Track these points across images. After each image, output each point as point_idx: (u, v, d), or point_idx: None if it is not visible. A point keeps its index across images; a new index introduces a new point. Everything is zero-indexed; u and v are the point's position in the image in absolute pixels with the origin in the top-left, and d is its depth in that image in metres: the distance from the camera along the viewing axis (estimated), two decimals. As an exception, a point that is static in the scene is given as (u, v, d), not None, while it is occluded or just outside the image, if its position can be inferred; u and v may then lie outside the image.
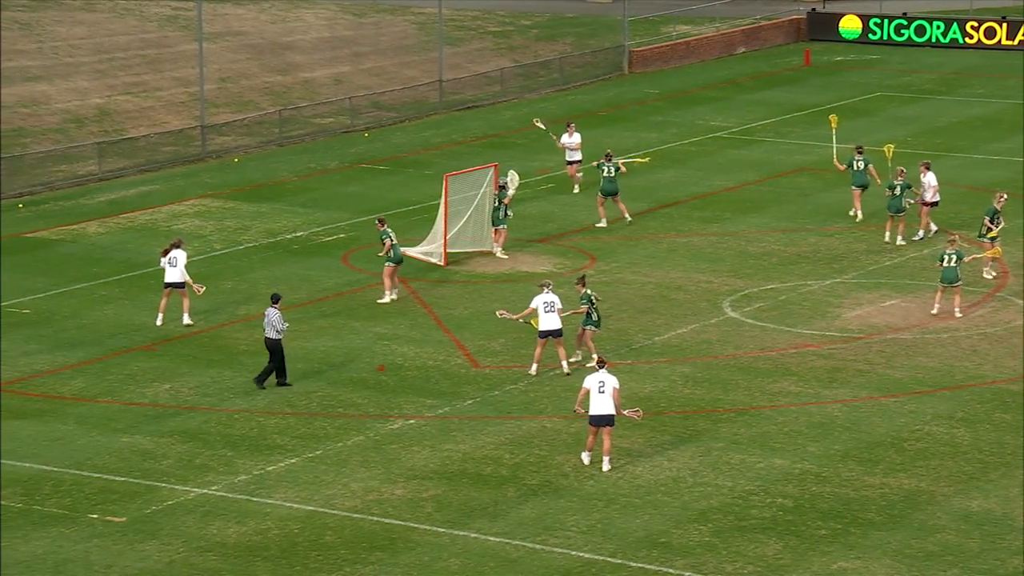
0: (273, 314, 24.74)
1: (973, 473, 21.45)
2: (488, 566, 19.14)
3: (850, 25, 54.25)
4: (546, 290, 24.88)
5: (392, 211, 35.38)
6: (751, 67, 51.12)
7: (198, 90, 42.61)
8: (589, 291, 25.08)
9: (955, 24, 53.17)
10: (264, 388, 24.60)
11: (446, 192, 31.27)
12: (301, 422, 23.52)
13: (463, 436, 22.91)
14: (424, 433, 23.06)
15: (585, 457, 21.76)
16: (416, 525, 20.11)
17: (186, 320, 27.40)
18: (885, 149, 33.24)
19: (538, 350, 22.97)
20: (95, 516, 20.55)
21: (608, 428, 21.38)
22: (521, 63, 50.34)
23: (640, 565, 19.05)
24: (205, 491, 21.21)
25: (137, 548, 19.69)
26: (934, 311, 27.44)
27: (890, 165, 32.55)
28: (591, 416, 21.40)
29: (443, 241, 31.16)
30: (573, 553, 19.36)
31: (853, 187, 33.09)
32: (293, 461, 22.09)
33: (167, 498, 21.04)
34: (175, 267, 27.48)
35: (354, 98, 45.21)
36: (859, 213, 32.97)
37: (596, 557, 19.27)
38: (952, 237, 28.46)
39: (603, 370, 21.46)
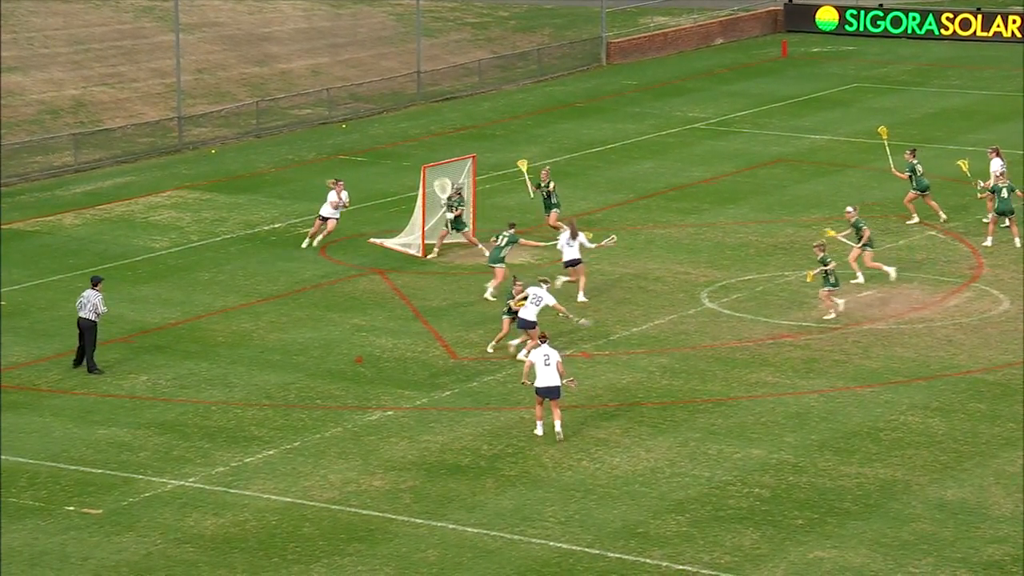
0: (93, 295, 24.68)
1: (948, 462, 21.55)
2: (466, 557, 19.14)
3: (827, 16, 54.36)
4: (544, 286, 24.94)
5: (370, 203, 35.34)
6: (729, 58, 51.17)
7: (175, 81, 42.41)
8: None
9: (931, 15, 53.33)
10: (83, 367, 24.55)
11: (424, 183, 31.23)
12: (279, 414, 23.47)
13: (441, 427, 22.91)
14: (402, 424, 23.04)
15: (539, 428, 22.30)
16: (394, 516, 20.10)
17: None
18: (881, 131, 33.24)
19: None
20: (71, 508, 20.47)
21: (555, 399, 22.10)
22: (499, 54, 50.28)
23: (618, 555, 19.08)
24: (182, 483, 21.15)
25: (114, 540, 19.63)
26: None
27: (890, 156, 32.65)
28: (537, 388, 22.12)
29: (421, 232, 31.13)
30: (551, 544, 19.39)
31: (915, 191, 32.11)
32: (271, 453, 22.06)
33: (144, 490, 20.98)
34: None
35: (332, 89, 45.06)
36: (941, 214, 32.21)
37: (574, 548, 19.29)
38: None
39: (546, 344, 22.23)
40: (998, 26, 52.63)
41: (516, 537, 19.51)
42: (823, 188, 35.14)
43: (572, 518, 20.03)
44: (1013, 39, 52.35)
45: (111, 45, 48.32)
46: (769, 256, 30.70)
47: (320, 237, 31.44)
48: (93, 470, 21.57)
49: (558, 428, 22.22)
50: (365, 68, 48.44)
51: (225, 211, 34.55)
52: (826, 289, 26.79)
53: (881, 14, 53.76)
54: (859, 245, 28.40)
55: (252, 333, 26.88)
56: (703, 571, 18.70)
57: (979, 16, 52.94)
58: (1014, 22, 52.39)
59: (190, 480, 21.19)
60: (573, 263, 27.90)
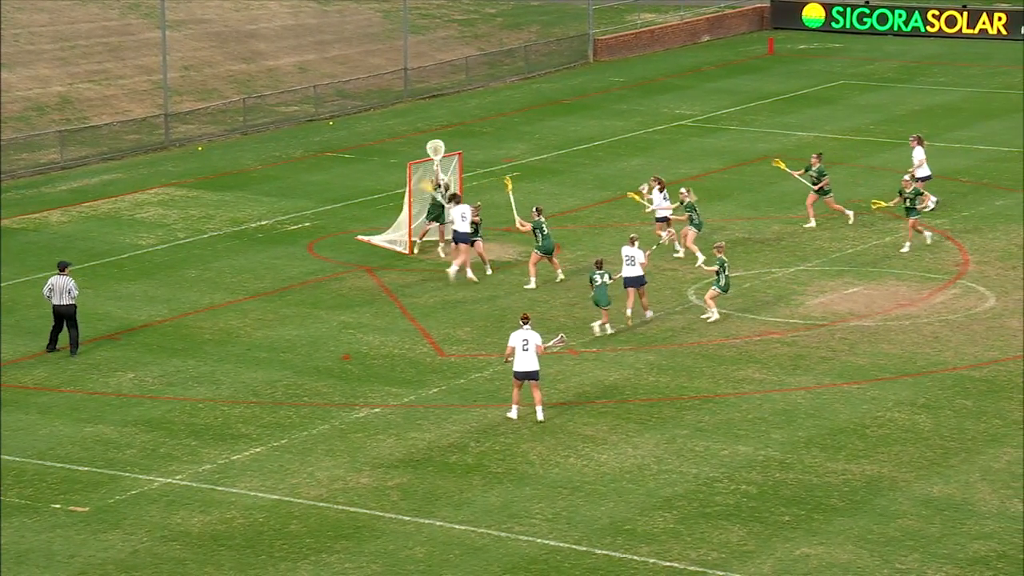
0: (64, 280, 24.83)
1: (934, 459, 21.59)
2: (453, 553, 19.12)
3: (813, 14, 54.42)
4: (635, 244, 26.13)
5: (357, 200, 35.29)
6: (715, 55, 51.19)
7: (161, 78, 42.30)
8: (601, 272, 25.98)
9: (916, 12, 53.42)
10: (58, 352, 24.79)
11: (410, 180, 31.19)
12: (266, 411, 23.43)
13: (428, 424, 22.88)
14: (389, 422, 23.01)
15: (514, 411, 22.59)
16: (381, 513, 20.08)
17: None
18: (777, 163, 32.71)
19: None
20: (57, 506, 20.40)
21: (534, 382, 22.46)
22: (486, 51, 50.24)
23: (605, 552, 19.08)
24: (169, 480, 21.10)
25: (100, 538, 19.57)
26: None
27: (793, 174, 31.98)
28: (516, 372, 22.48)
29: (408, 230, 31.08)
30: (538, 540, 19.37)
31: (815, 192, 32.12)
32: (258, 450, 22.01)
33: (130, 488, 20.92)
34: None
35: (319, 86, 44.99)
36: (848, 212, 32.02)
37: (561, 544, 19.29)
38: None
39: (526, 327, 22.51)
40: (984, 23, 52.76)
41: (503, 534, 19.49)
42: (806, 187, 35.08)
43: (559, 515, 20.02)
44: (999, 36, 52.48)
45: (98, 42, 48.17)
46: (756, 253, 30.73)
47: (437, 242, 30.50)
48: (79, 468, 21.50)
49: (539, 413, 22.52)
50: (352, 65, 48.38)
51: (212, 208, 34.47)
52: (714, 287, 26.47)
53: (867, 11, 53.83)
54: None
55: (239, 330, 26.82)
56: (690, 568, 18.70)
57: (965, 13, 53.05)
58: (1000, 19, 52.51)
59: (177, 478, 21.14)
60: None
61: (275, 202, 34.89)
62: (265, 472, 21.30)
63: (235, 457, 21.77)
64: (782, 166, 32.26)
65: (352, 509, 20.20)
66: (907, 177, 30.48)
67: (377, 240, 31.59)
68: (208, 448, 22.08)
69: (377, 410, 23.46)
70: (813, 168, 32.09)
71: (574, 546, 19.22)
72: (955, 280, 29.03)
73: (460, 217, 28.96)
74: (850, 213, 32.20)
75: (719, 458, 21.64)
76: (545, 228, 28.68)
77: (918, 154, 32.98)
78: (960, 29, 52.98)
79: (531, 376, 22.55)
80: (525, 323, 22.64)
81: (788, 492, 20.62)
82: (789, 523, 19.78)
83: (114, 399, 23.94)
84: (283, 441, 22.32)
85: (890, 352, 25.54)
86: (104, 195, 35.66)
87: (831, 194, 32.26)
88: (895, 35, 53.31)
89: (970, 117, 42.50)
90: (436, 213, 30.62)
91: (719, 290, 26.59)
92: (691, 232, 29.86)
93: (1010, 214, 33.38)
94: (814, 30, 54.14)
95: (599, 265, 26.42)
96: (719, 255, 26.51)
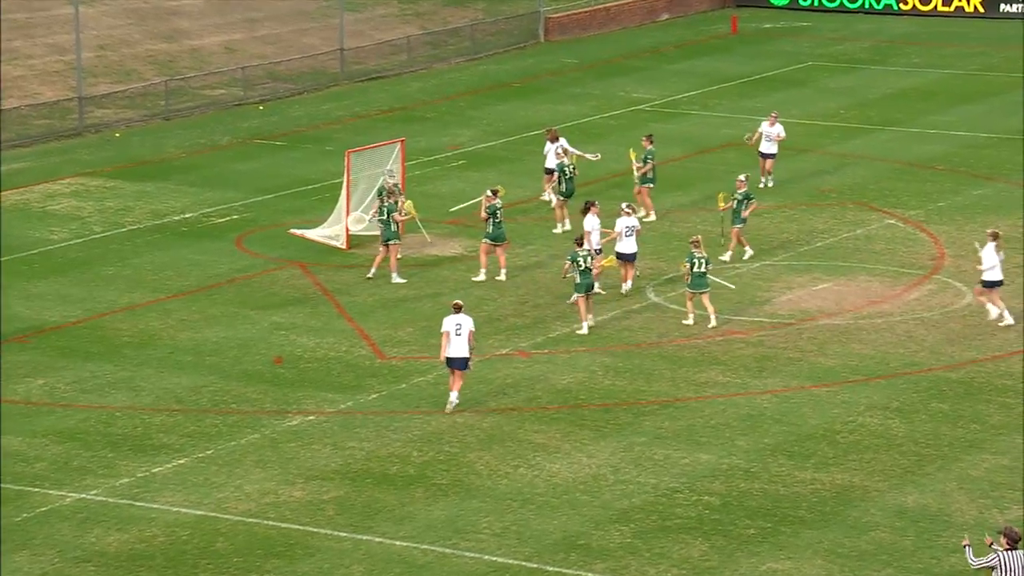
0: None
1: (908, 466, 21.78)
2: (394, 572, 19.11)
3: (780, -10, 54.75)
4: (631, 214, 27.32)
5: (290, 191, 35.17)
6: (675, 35, 51.42)
7: (74, 58, 41.97)
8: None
9: (890, -11, 53.90)
10: None
11: (348, 170, 31.12)
12: (190, 419, 23.31)
13: (367, 433, 22.86)
14: (325, 430, 22.96)
15: (453, 396, 23.27)
16: (316, 529, 20.02)
17: None
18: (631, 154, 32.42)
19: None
20: (-39, 525, 20.20)
21: (462, 371, 23.19)
22: (429, 30, 50.21)
23: (557, 569, 19.11)
24: (83, 496, 20.94)
25: (6, 559, 19.39)
26: None
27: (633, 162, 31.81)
28: (447, 358, 23.13)
29: (345, 223, 31.02)
30: (486, 557, 19.39)
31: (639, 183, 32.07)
32: (181, 462, 21.91)
33: (40, 504, 20.74)
34: None
35: (247, 68, 44.82)
36: (652, 214, 31.84)
37: (510, 561, 19.30)
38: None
39: (460, 313, 23.19)
40: (960, 0, 53.26)
41: (448, 551, 19.50)
42: (776, 173, 35.36)
43: (508, 530, 20.04)
44: (976, 15, 53.03)
45: (4, 18, 47.66)
46: (719, 247, 30.87)
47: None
48: (-15, 483, 21.30)
49: (453, 398, 23.22)
50: (284, 45, 48.19)
51: (131, 200, 34.30)
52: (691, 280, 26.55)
53: (837, -12, 54.24)
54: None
55: (161, 332, 26.70)
56: (649, 585, 18.79)
57: (941, -10, 53.55)
58: (977, -3, 53.06)
59: (92, 493, 20.99)
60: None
61: (200, 193, 34.74)
62: (189, 486, 21.19)
63: (156, 470, 21.66)
64: (633, 156, 32.27)
65: (284, 525, 20.14)
66: (742, 178, 29.70)
67: (312, 234, 31.51)
68: (126, 460, 21.93)
69: (311, 418, 23.39)
70: (648, 151, 31.96)
71: (524, 563, 19.25)
72: (930, 275, 29.30)
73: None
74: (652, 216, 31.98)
75: (680, 467, 21.72)
76: (499, 215, 28.76)
77: (775, 130, 33.11)
78: (935, 7, 53.47)
79: (459, 364, 23.15)
80: (458, 311, 23.26)
81: (753, 503, 20.73)
82: (754, 536, 19.89)
83: (22, 408, 23.74)
84: (209, 452, 22.22)
85: (862, 352, 25.74)
86: (11, 185, 35.35)
87: (650, 184, 31.97)
88: (866, 13, 53.74)
89: (946, 101, 42.92)
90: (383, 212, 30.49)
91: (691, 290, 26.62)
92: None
93: (988, 204, 33.74)
94: (780, 8, 54.48)
95: (580, 243, 26.65)
96: (694, 249, 26.58)
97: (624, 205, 28.41)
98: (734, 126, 39.74)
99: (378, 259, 28.91)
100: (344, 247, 30.95)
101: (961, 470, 21.65)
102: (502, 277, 28.77)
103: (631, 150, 32.53)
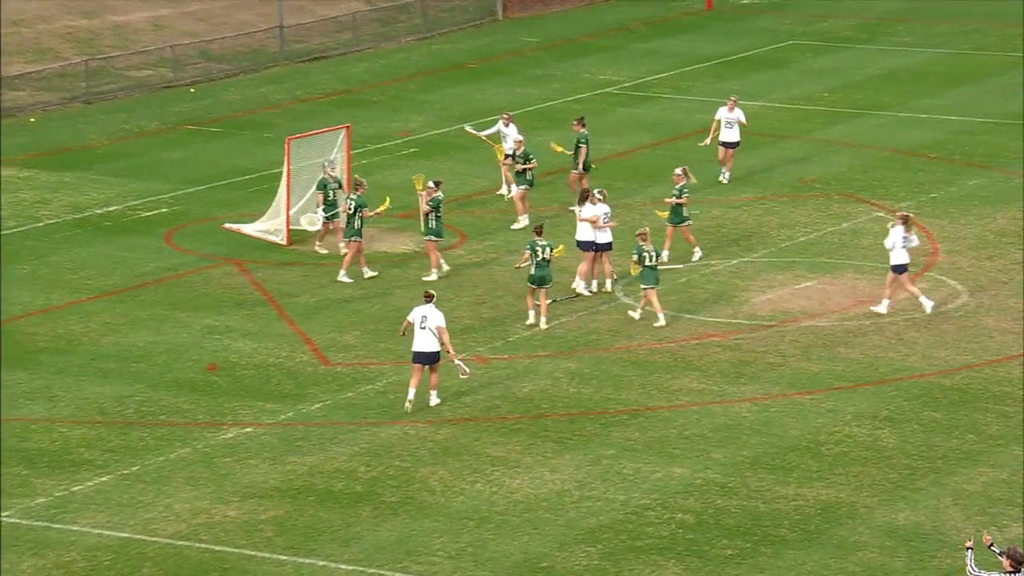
0: None
1: (899, 481, 21.92)
2: (339, 600, 19.10)
3: (758, -37, 54.99)
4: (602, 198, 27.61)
5: (224, 181, 35.10)
6: (645, 11, 51.59)
7: (-13, 36, 41.78)
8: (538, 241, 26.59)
9: (878, -37, 54.22)
10: None
11: (288, 159, 31.09)
12: (114, 432, 23.24)
13: (310, 446, 22.84)
14: (263, 443, 22.94)
15: (410, 394, 23.37)
16: (253, 552, 20.00)
17: None
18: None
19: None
20: None
21: (433, 366, 23.42)
22: (376, 6, 50.21)
23: (518, 595, 19.16)
24: (-3, 518, 20.84)
25: (-87, 588, 19.26)
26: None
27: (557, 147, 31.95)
28: (414, 352, 23.39)
29: (286, 217, 30.98)
30: (440, 582, 19.40)
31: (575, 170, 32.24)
32: (104, 479, 21.84)
33: (-50, 527, 20.63)
34: None
35: (177, 47, 44.71)
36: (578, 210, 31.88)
37: (467, 586, 19.33)
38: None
39: (429, 304, 23.34)
40: (953, -25, 53.63)
41: (399, 575, 19.48)
42: (755, 162, 35.53)
43: (464, 551, 20.06)
44: (970, -9, 53.36)
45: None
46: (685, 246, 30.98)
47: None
48: None
49: (433, 398, 23.40)
50: (217, 21, 48.07)
51: (48, 191, 34.18)
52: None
53: (820, -39, 54.50)
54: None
55: (82, 337, 26.59)
56: (618, 611, 18.85)
57: (932, -36, 53.90)
58: (971, -29, 53.44)
59: (4, 515, 20.90)
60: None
61: (125, 184, 34.66)
62: (112, 506, 21.12)
63: (76, 488, 21.56)
64: (559, 149, 32.39)
65: (218, 548, 20.10)
66: (679, 171, 29.47)
67: (249, 229, 31.45)
68: (42, 478, 21.83)
69: (249, 430, 23.36)
70: (581, 135, 31.88)
71: (482, 588, 19.28)
72: (923, 272, 29.50)
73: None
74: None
75: (651, 482, 21.79)
76: (442, 209, 28.73)
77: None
78: (927, -18, 53.77)
79: (427, 359, 23.33)
80: (428, 300, 23.43)
81: (731, 521, 20.82)
82: (732, 558, 19.97)
83: (-70, 420, 23.60)
84: (135, 468, 22.16)
85: (848, 357, 25.88)
86: (-82, 176, 35.16)
87: (581, 171, 31.99)
88: (852, -12, 54.02)
89: (939, 83, 43.24)
90: (332, 211, 30.38)
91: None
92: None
93: (984, 195, 34.01)
94: (759, -18, 54.72)
95: (539, 232, 26.80)
96: (641, 243, 26.63)
97: (596, 191, 28.43)
98: (709, 110, 39.83)
99: (348, 258, 28.71)
100: (285, 243, 30.91)
101: (956, 485, 21.81)
102: (444, 268, 28.89)
103: (553, 144, 32.51)
